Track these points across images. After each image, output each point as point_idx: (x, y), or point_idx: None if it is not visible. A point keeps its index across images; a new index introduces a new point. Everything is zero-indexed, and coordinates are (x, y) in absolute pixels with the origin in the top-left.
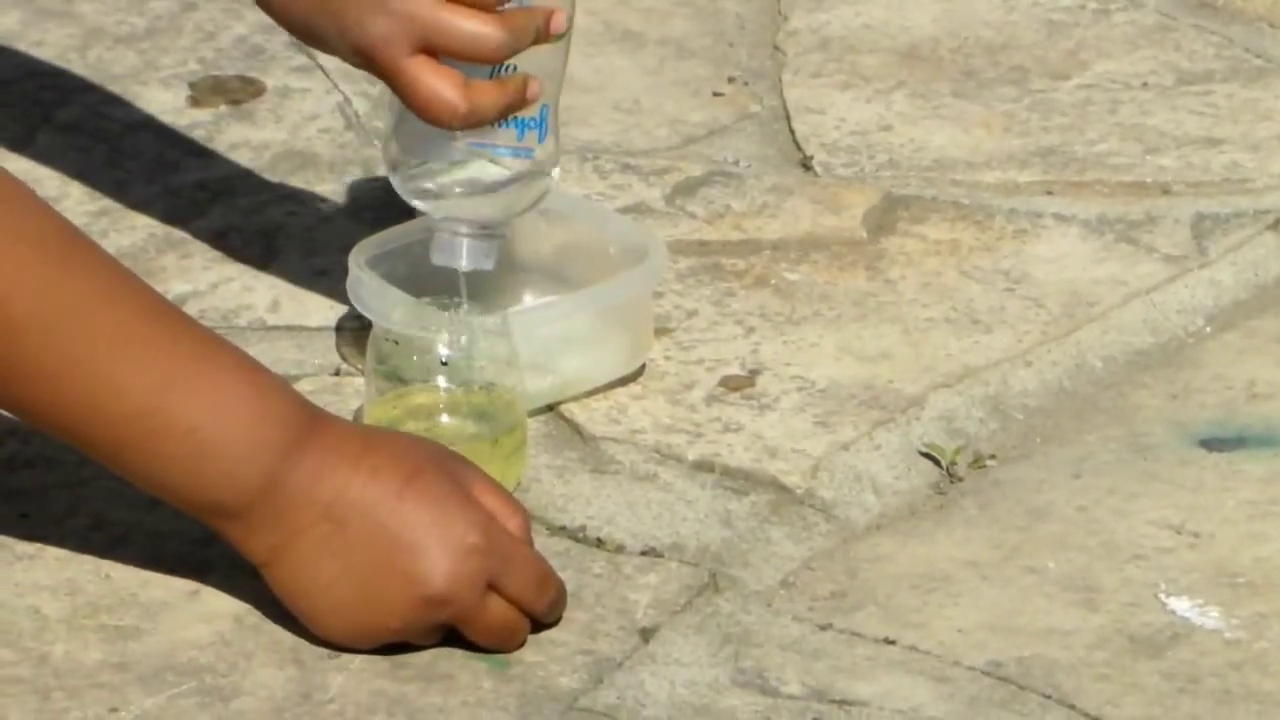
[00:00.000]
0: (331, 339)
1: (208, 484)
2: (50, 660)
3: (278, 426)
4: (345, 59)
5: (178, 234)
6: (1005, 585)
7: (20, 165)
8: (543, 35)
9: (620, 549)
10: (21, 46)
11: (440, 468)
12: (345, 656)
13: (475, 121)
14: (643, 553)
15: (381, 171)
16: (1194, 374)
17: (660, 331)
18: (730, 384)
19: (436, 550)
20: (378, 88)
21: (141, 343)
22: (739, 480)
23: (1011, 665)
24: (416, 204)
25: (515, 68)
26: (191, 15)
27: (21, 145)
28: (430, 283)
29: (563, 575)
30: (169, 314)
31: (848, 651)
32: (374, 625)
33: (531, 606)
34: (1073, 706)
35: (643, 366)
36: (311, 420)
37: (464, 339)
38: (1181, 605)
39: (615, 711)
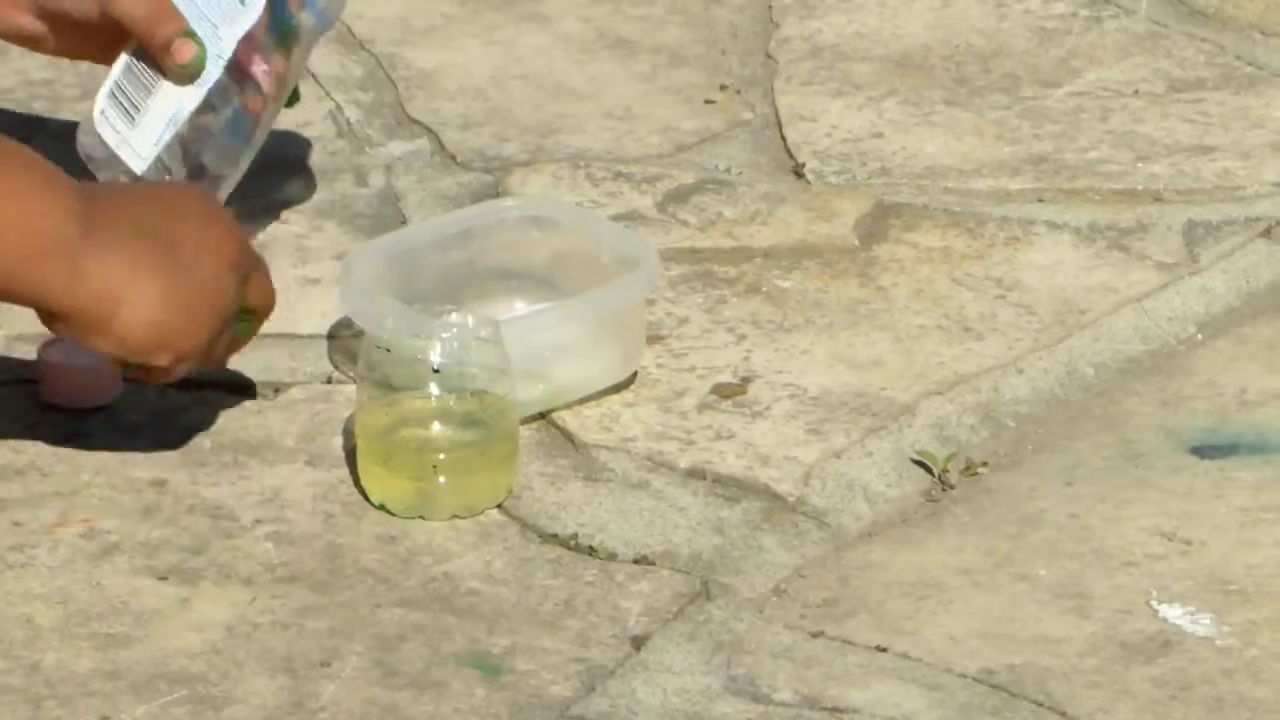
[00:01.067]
0: (323, 347)
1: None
2: (42, 668)
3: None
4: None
5: None
6: (997, 592)
7: None
8: None
9: (612, 557)
10: (14, 55)
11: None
12: (337, 665)
13: None
14: (635, 560)
15: (375, 179)
16: (1185, 381)
17: (652, 339)
18: (722, 391)
19: (225, 229)
20: (369, 95)
21: None
22: (731, 488)
23: (1003, 673)
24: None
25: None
26: None
27: None
28: (422, 291)
29: (555, 583)
30: None
31: (840, 659)
32: (198, 306)
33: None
34: (1064, 714)
35: (635, 374)
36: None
37: (456, 346)
38: (1173, 613)
39: (607, 719)
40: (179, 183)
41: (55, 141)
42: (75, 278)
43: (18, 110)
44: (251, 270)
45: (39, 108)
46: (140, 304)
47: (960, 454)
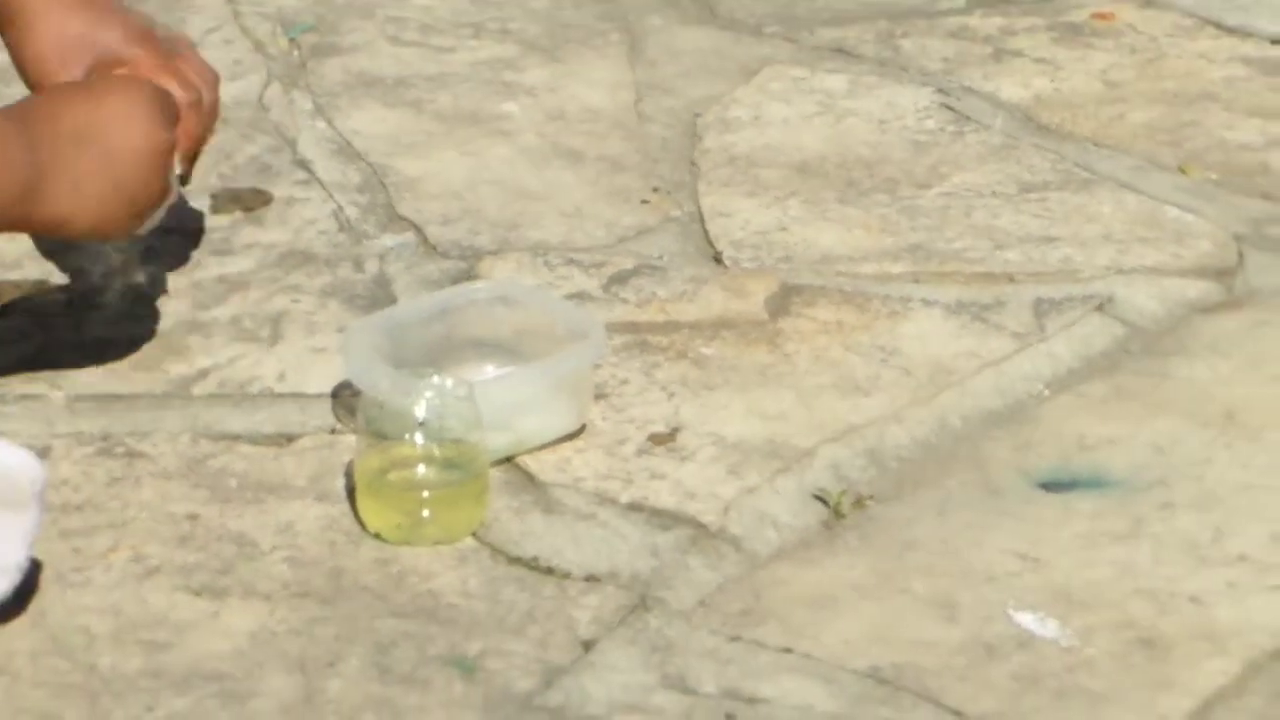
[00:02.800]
0: (328, 404)
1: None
2: (98, 669)
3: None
4: None
5: (202, 318)
6: (882, 603)
7: (73, 264)
8: None
9: (567, 576)
10: None
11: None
12: (341, 664)
13: None
14: (585, 579)
15: (370, 266)
16: (1035, 429)
17: (599, 396)
18: (656, 440)
19: (147, 117)
20: (365, 197)
21: None
22: (664, 519)
23: (888, 669)
24: None
25: None
26: (212, 138)
27: (74, 248)
28: (410, 357)
29: (519, 597)
30: None
31: (754, 658)
32: (132, 204)
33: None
34: (938, 703)
35: (584, 425)
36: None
37: (437, 404)
38: (1026, 619)
39: (563, 709)
40: (107, 78)
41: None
42: (30, 205)
43: None
44: (174, 100)
45: None
46: (83, 219)
47: (851, 490)
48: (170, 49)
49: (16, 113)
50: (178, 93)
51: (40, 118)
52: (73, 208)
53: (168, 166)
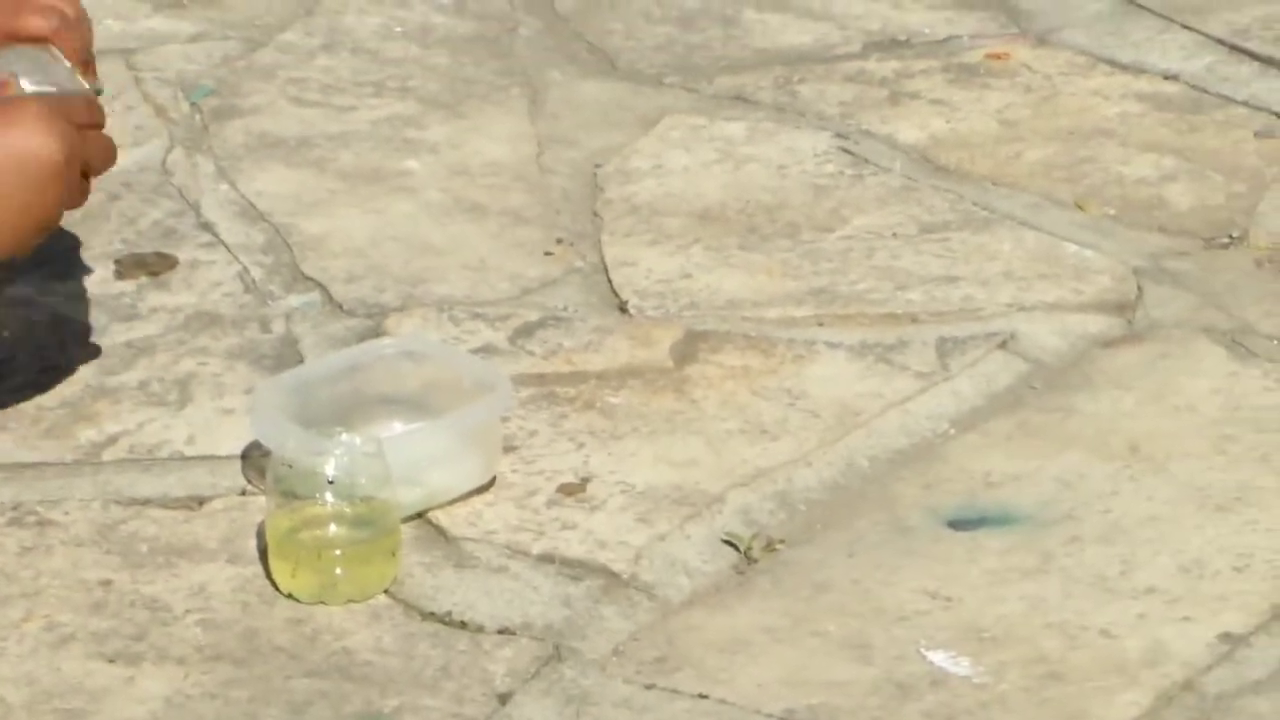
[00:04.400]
0: (238, 465)
1: None
2: None
3: None
4: None
5: (110, 383)
6: (795, 646)
7: None
8: None
9: (480, 629)
10: None
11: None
12: None
13: None
14: (499, 631)
15: (276, 326)
16: (942, 467)
17: (508, 449)
18: (566, 490)
19: (44, 142)
20: (270, 257)
21: None
22: (576, 569)
23: (802, 711)
24: None
25: None
26: (116, 204)
27: None
28: (318, 416)
29: (433, 653)
30: None
31: (669, 705)
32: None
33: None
34: None
35: (494, 478)
36: None
37: (346, 461)
38: (938, 657)
39: None
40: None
41: (11, 306)
42: None
43: None
44: (80, 147)
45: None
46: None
47: (762, 534)
48: None
49: None
50: (39, 21)
51: None
52: None
53: (62, 182)
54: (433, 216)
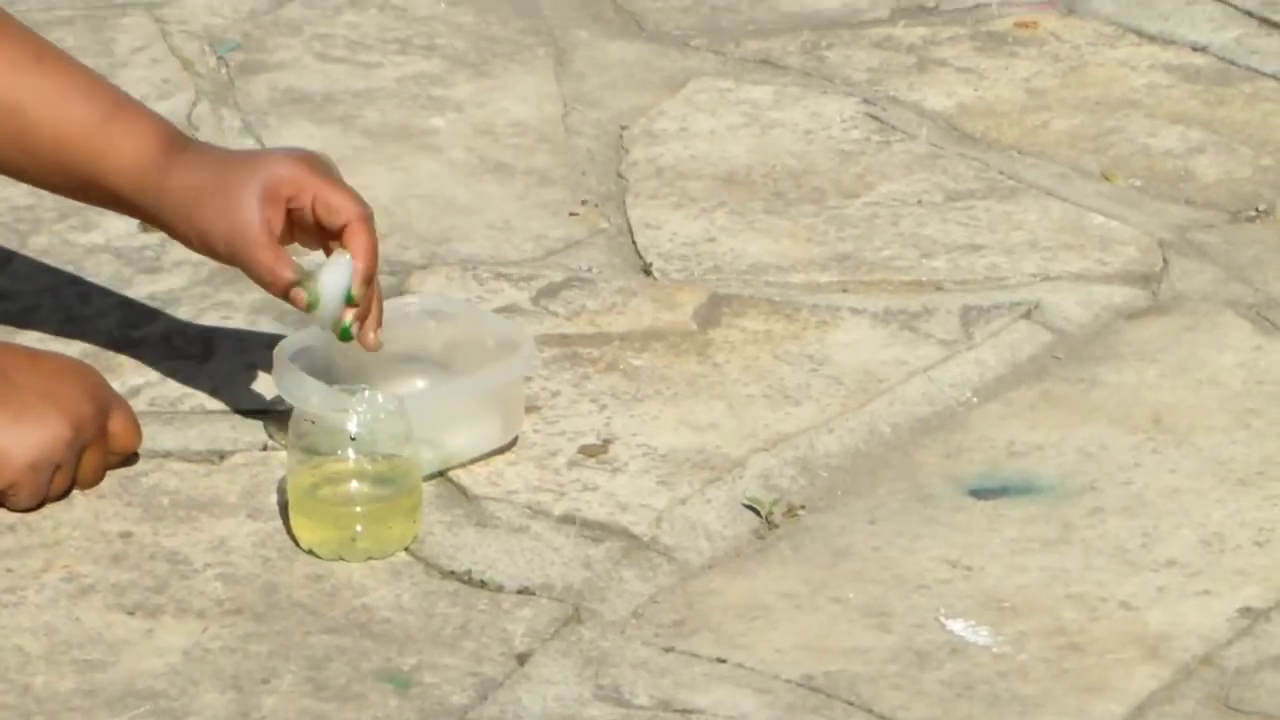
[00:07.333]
0: (260, 421)
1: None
2: (32, 689)
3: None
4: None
5: (134, 336)
6: (815, 612)
7: (3, 285)
8: None
9: (500, 589)
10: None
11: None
12: (275, 681)
13: None
14: (518, 591)
15: None
16: (964, 436)
17: (530, 409)
18: (588, 451)
19: (78, 389)
20: None
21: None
22: (596, 530)
23: (821, 678)
24: None
25: None
26: None
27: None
28: (340, 373)
29: (452, 611)
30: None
31: (687, 669)
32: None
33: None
34: (871, 710)
35: (516, 438)
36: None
37: (369, 419)
38: (958, 626)
39: None
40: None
41: (36, 256)
42: None
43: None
44: (104, 423)
45: (21, 228)
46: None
47: (783, 499)
48: (322, 167)
49: None
50: (352, 206)
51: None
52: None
53: (76, 437)
54: (457, 176)
